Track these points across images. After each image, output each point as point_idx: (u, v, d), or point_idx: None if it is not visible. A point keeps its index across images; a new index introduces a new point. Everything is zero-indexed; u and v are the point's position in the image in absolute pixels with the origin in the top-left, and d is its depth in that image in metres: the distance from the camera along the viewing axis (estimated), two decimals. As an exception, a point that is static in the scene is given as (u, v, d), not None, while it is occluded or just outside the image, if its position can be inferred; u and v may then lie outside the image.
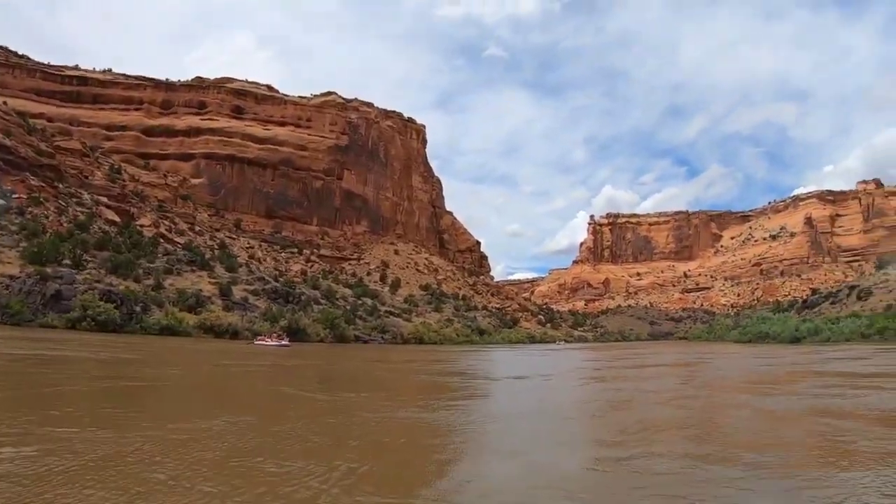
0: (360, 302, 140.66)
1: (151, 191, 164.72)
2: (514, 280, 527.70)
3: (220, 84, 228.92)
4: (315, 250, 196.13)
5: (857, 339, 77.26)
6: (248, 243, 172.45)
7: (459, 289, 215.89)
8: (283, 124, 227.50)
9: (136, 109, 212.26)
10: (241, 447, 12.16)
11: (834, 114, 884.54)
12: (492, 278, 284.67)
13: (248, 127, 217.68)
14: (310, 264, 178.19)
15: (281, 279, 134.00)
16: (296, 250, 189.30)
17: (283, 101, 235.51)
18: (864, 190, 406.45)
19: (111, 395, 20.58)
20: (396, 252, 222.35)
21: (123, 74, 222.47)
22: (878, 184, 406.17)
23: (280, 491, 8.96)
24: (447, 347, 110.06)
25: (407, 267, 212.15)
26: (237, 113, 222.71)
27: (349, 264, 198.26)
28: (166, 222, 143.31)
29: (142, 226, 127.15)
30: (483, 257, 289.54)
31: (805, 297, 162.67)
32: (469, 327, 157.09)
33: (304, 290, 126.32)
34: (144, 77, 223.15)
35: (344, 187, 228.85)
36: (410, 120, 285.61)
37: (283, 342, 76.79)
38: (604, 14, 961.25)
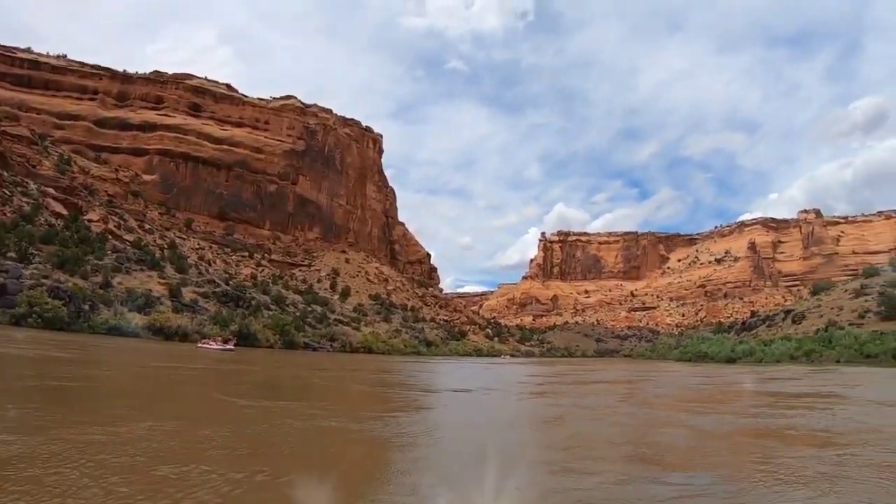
0: (309, 309, 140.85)
1: (101, 185, 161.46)
2: (464, 293, 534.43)
3: (179, 80, 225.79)
4: (266, 254, 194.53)
5: (786, 361, 79.76)
6: (199, 244, 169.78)
7: (408, 300, 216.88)
8: (240, 125, 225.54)
9: (91, 99, 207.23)
10: (153, 452, 12.01)
11: (780, 145, 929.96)
12: (441, 290, 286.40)
13: (204, 126, 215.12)
14: (260, 268, 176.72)
15: (231, 282, 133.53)
16: (246, 254, 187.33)
17: (241, 101, 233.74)
18: (805, 219, 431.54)
19: (31, 396, 19.81)
20: (347, 260, 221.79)
21: (79, 62, 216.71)
22: (818, 213, 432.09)
23: (172, 496, 9.01)
24: (394, 358, 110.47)
25: (357, 276, 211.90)
26: (194, 111, 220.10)
27: (300, 270, 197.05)
28: (115, 218, 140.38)
29: (90, 221, 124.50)
30: (433, 269, 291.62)
31: (744, 320, 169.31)
32: (417, 338, 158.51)
33: (254, 295, 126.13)
34: (100, 66, 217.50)
35: (298, 192, 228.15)
36: (368, 129, 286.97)
37: (228, 346, 76.27)
38: (565, 36, 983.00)
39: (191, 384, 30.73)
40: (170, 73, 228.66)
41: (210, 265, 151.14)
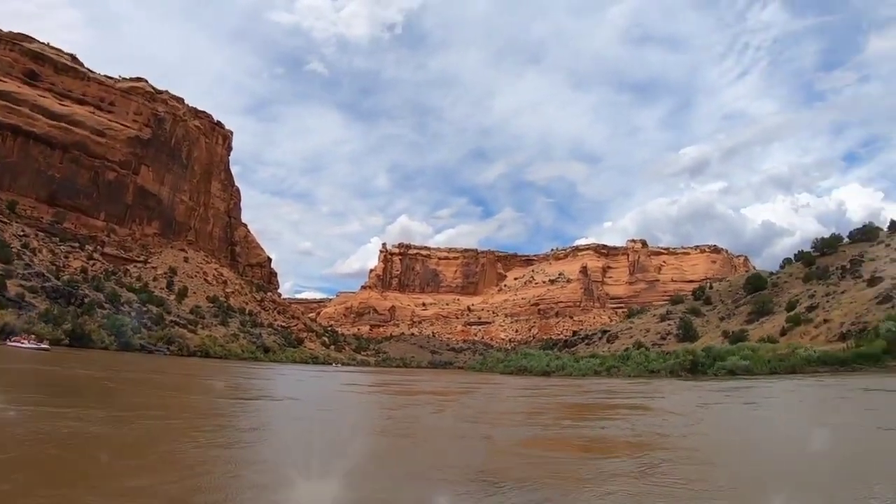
0: (145, 309, 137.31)
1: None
2: (302, 299, 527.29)
3: (16, 41, 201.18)
4: (99, 247, 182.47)
5: (591, 374, 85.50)
6: (23, 230, 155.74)
7: (247, 304, 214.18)
8: (82, 103, 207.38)
9: None
10: None
11: (618, 179, 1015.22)
12: (280, 295, 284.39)
13: (41, 97, 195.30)
14: (92, 262, 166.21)
15: (63, 276, 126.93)
16: (77, 245, 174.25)
17: (86, 76, 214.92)
18: (632, 248, 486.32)
19: None
20: (186, 259, 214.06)
21: None
22: (644, 244, 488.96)
23: None
24: (229, 363, 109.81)
25: (195, 276, 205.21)
26: (31, 79, 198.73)
27: (135, 267, 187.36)
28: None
29: None
30: (273, 274, 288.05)
31: (566, 338, 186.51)
32: (254, 344, 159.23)
33: (87, 292, 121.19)
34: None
35: (139, 183, 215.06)
36: (219, 124, 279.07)
37: (43, 346, 73.20)
38: (429, 53, 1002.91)
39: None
40: (4, 30, 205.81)
41: (35, 255, 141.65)
